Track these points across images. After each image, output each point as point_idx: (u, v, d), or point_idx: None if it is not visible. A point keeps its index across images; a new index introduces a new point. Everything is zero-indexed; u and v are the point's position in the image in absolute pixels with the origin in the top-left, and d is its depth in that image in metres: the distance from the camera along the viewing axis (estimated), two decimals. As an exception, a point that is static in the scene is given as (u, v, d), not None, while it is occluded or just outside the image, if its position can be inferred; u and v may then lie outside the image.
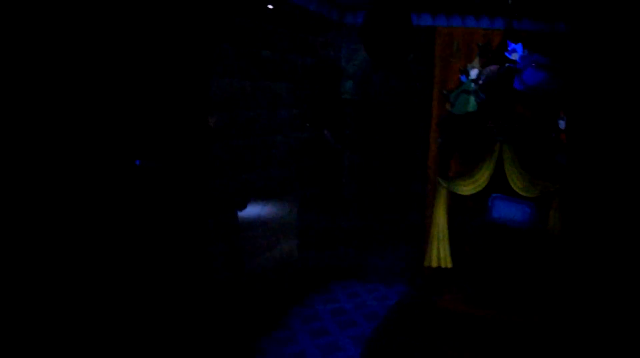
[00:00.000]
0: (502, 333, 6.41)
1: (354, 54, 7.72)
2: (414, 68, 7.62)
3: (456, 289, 7.30)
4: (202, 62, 5.36)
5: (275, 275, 6.89)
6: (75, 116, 3.56)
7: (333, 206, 8.15)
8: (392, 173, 8.18)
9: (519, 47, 6.28)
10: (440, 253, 7.42)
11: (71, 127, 3.54)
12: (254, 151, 6.41)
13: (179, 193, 4.84)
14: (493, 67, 6.49)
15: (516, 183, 7.07)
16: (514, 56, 6.31)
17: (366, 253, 8.46)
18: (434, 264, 7.44)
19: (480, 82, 6.48)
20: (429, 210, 7.72)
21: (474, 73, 6.59)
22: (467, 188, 7.26)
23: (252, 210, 6.41)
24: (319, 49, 7.65)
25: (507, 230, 7.24)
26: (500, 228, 7.29)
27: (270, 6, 6.31)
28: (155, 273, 4.45)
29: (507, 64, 6.41)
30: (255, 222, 6.51)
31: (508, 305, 6.82)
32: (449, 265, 7.44)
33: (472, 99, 6.58)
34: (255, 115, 6.40)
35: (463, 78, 6.69)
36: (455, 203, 7.48)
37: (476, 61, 6.63)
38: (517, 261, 7.09)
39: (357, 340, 6.59)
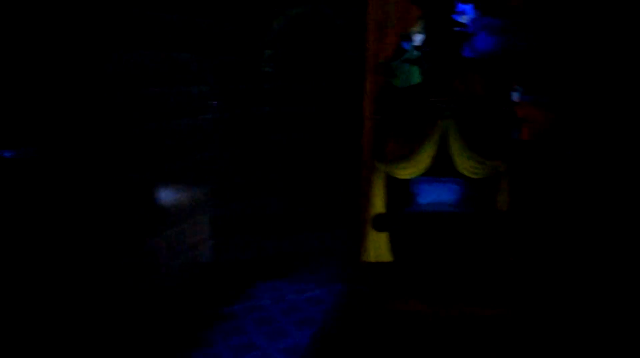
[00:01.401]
0: (460, 330, 5.78)
1: (276, 18, 6.61)
2: (344, 35, 6.65)
3: (399, 286, 6.51)
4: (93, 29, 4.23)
5: (192, 280, 5.76)
6: None
7: (257, 199, 7.05)
8: (322, 157, 7.21)
9: (469, 8, 5.50)
10: (378, 247, 6.60)
11: None
12: (160, 136, 5.21)
13: (65, 187, 4.09)
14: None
15: (462, 163, 6.34)
16: (464, 19, 5.54)
17: (294, 248, 7.47)
18: (373, 259, 6.60)
19: (426, 49, 5.66)
20: (365, 199, 6.85)
21: (418, 39, 5.75)
22: (407, 172, 6.45)
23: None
24: (233, 10, 6.48)
25: (438, 216, 6.60)
26: (430, 214, 6.63)
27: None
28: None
29: (455, 28, 5.64)
30: (167, 219, 5.35)
31: (459, 299, 6.16)
32: (388, 259, 6.65)
33: (416, 69, 5.76)
34: (160, 93, 5.20)
35: (405, 45, 5.83)
36: (392, 188, 6.69)
37: (420, 25, 5.79)
38: (454, 247, 6.45)
39: (291, 353, 5.62)
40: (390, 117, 6.10)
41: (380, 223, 6.41)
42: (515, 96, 5.81)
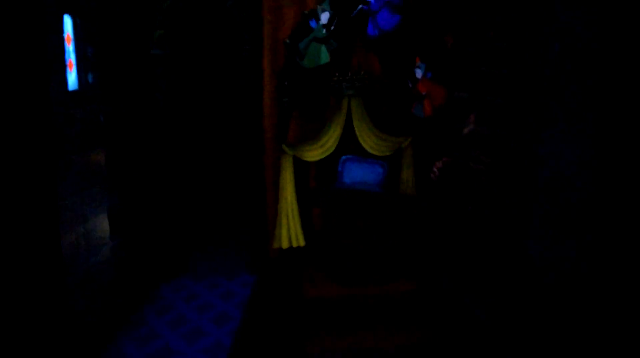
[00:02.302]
0: (372, 310, 5.79)
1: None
2: (239, 14, 6.26)
3: (315, 270, 6.38)
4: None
5: (88, 288, 5.19)
6: None
7: (151, 190, 6.49)
8: (221, 143, 6.82)
9: (371, -16, 5.38)
10: (291, 232, 6.40)
11: None
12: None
13: None
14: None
15: (367, 141, 6.31)
16: (368, -4, 5.41)
17: (197, 242, 7.04)
18: (285, 245, 6.38)
19: (332, 28, 5.47)
20: (270, 184, 6.60)
21: (324, 17, 5.53)
22: (314, 153, 6.27)
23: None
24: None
25: (360, 194, 6.50)
26: (353, 193, 6.52)
27: None
28: None
29: (360, 6, 5.50)
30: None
31: (372, 279, 6.17)
32: (302, 243, 6.47)
33: (324, 48, 5.55)
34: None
35: (312, 24, 5.59)
36: (299, 171, 6.49)
37: (326, 2, 5.57)
38: (374, 228, 6.41)
39: (211, 354, 5.30)
40: (293, 97, 5.87)
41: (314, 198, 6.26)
42: (419, 73, 5.85)
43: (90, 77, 4.89)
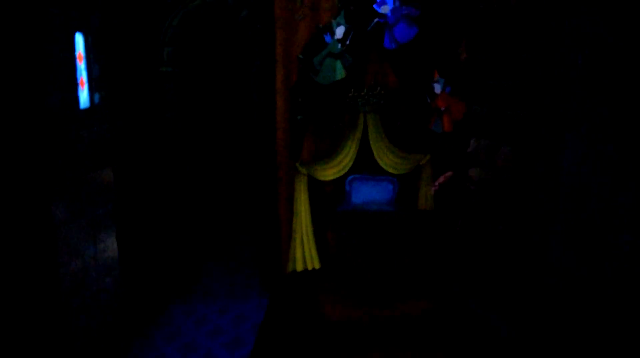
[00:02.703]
0: (393, 330, 5.57)
1: (173, 12, 5.84)
2: (250, 29, 6.09)
3: (331, 292, 6.16)
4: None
5: (93, 312, 4.98)
6: None
7: (165, 212, 6.29)
8: (234, 160, 6.62)
9: (389, -2, 5.20)
10: (305, 254, 6.19)
11: None
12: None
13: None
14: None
15: (384, 159, 6.12)
16: (384, 9, 5.23)
17: (208, 261, 6.82)
18: (300, 267, 6.18)
19: (348, 42, 5.29)
20: (283, 204, 6.38)
21: (339, 31, 5.36)
22: (329, 172, 6.08)
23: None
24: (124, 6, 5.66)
25: (372, 214, 6.29)
26: (364, 213, 6.31)
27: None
28: None
29: (376, 19, 5.32)
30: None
31: (391, 299, 5.95)
32: (317, 266, 6.26)
33: (339, 64, 5.37)
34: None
35: (327, 38, 5.41)
36: (313, 189, 6.29)
37: (341, 16, 5.40)
38: (389, 247, 6.20)
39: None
40: (307, 115, 5.68)
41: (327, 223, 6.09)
42: (437, 88, 5.67)
43: (99, 96, 4.73)
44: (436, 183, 6.27)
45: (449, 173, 6.14)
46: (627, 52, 4.65)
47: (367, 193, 6.44)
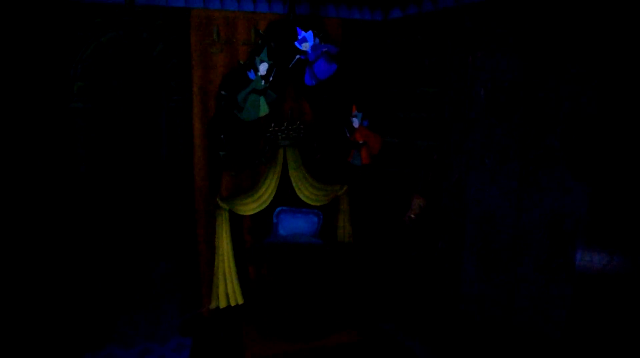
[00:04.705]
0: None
1: (84, 46, 5.55)
2: (166, 63, 5.93)
3: (255, 328, 6.08)
4: None
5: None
6: None
7: (68, 254, 5.89)
8: (147, 201, 6.37)
9: (309, 35, 5.29)
10: (228, 290, 6.05)
11: None
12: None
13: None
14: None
15: (303, 191, 6.19)
16: (305, 46, 5.32)
17: (123, 305, 6.47)
18: (223, 304, 6.03)
19: (271, 78, 5.31)
20: (202, 239, 6.22)
21: (263, 68, 5.37)
22: (250, 207, 6.03)
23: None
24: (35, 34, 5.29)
25: (296, 247, 6.30)
26: (289, 246, 6.31)
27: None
28: None
29: (297, 57, 5.39)
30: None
31: (315, 333, 5.98)
32: (240, 301, 6.15)
33: (263, 100, 5.36)
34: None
35: (251, 75, 5.39)
36: (233, 224, 6.20)
37: (264, 53, 5.40)
38: (312, 279, 6.23)
39: None
40: (230, 150, 5.61)
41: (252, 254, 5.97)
42: (355, 122, 5.83)
43: None
44: (411, 215, 6.43)
45: (421, 202, 6.31)
46: (526, 87, 5.07)
47: (294, 225, 6.46)
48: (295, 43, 5.30)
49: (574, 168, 4.82)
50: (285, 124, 5.84)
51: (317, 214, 6.52)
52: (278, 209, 6.38)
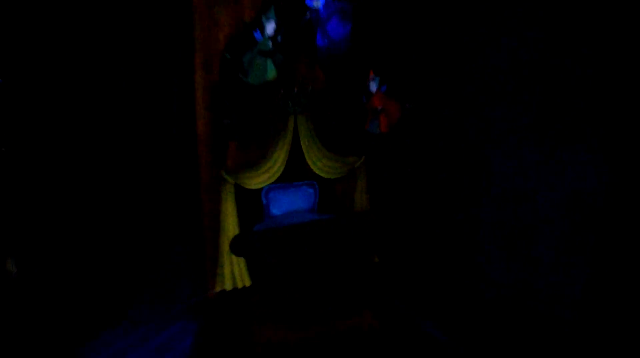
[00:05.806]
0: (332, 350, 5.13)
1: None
2: (165, 20, 5.40)
3: (265, 314, 5.62)
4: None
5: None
6: None
7: (73, 240, 5.46)
8: (147, 174, 5.90)
9: (321, -9, 4.78)
10: (235, 271, 5.62)
11: None
12: None
13: None
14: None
15: (317, 164, 5.71)
16: (316, 4, 4.80)
17: (126, 289, 6.04)
18: (229, 286, 5.60)
19: (279, 39, 4.81)
20: (207, 217, 5.76)
21: (270, 27, 4.87)
22: (259, 180, 5.56)
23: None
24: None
25: (295, 229, 5.73)
26: (286, 230, 5.74)
27: None
28: None
29: (308, 14, 4.89)
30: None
31: (328, 315, 5.51)
32: (248, 283, 5.71)
33: (270, 62, 4.86)
34: None
35: (257, 36, 4.89)
36: (241, 201, 5.73)
37: (271, 11, 4.89)
38: (321, 256, 5.75)
39: None
40: (236, 118, 5.13)
41: (238, 247, 5.44)
42: (373, 86, 5.32)
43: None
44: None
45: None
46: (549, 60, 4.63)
47: (287, 202, 6.00)
48: (306, 0, 4.80)
49: (596, 145, 4.37)
50: (295, 89, 5.36)
51: (311, 185, 6.06)
52: (265, 188, 5.93)
